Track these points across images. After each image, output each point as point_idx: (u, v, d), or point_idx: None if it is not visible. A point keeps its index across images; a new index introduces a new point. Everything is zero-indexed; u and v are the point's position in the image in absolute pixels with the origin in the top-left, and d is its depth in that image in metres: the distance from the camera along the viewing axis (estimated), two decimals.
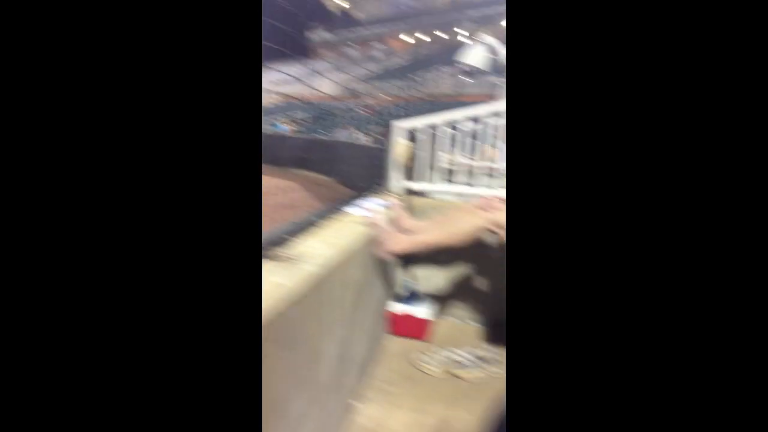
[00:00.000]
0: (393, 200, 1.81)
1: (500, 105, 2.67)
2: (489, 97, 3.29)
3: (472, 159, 2.71)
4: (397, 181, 2.15)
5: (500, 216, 1.47)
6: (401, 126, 2.15)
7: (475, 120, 2.47)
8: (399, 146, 2.15)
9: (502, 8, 24.23)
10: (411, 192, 2.21)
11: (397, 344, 1.73)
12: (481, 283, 1.97)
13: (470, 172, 2.58)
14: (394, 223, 1.55)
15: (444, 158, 3.26)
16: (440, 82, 17.55)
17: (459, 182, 2.74)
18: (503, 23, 24.90)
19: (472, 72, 3.02)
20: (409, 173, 2.24)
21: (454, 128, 2.53)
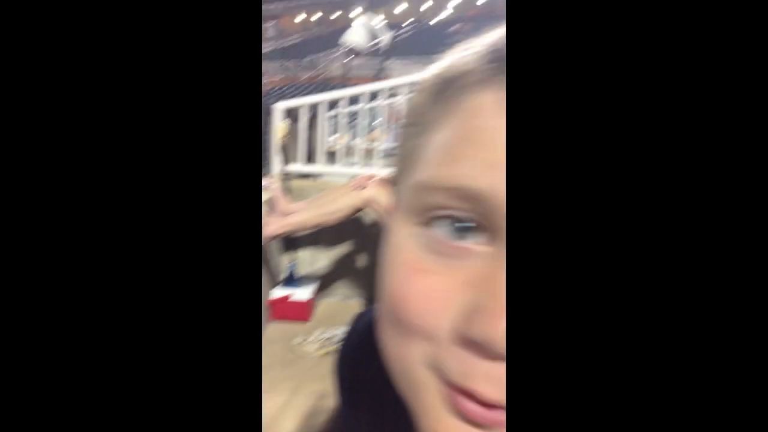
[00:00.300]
0: (270, 183, 1.77)
1: (384, 85, 2.72)
2: (374, 79, 3.33)
3: (357, 140, 2.74)
4: (278, 164, 2.11)
5: (372, 193, 1.51)
6: (280, 107, 2.10)
7: (355, 101, 2.49)
8: (278, 128, 2.10)
9: None
10: (291, 175, 2.18)
11: (278, 330, 1.71)
12: (361, 261, 2.02)
13: (356, 153, 2.61)
14: (271, 206, 1.52)
15: (328, 140, 3.25)
16: (329, 63, 17.40)
17: (344, 163, 2.77)
18: (397, 9, 25.23)
19: (355, 53, 3.03)
20: (291, 155, 2.20)
21: (336, 109, 2.52)
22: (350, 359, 0.41)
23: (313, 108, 2.32)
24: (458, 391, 0.22)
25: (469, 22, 21.06)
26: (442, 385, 0.22)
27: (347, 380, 0.41)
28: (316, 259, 2.02)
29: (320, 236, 1.99)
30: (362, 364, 0.39)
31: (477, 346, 0.20)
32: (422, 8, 24.88)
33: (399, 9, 25.28)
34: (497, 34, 0.25)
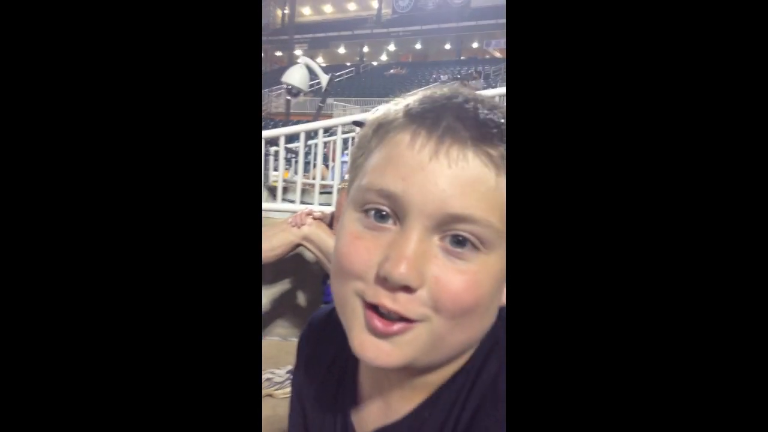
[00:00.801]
0: None
1: (323, 124, 2.76)
2: (314, 118, 3.39)
3: (297, 176, 2.74)
4: None
5: (311, 230, 1.51)
6: None
7: (294, 138, 2.51)
8: None
9: (335, 33, 25.26)
10: None
11: None
12: (302, 298, 1.99)
13: (302, 190, 2.60)
14: None
15: (272, 176, 3.22)
16: (273, 101, 17.45)
17: (289, 200, 2.74)
18: (340, 49, 26.00)
19: (295, 92, 3.08)
20: None
21: (277, 146, 2.52)
22: (309, 340, 0.54)
23: None
24: (371, 307, 0.35)
25: (404, 67, 22.05)
26: (363, 307, 0.35)
27: (304, 357, 0.53)
28: None
29: None
30: (318, 345, 0.52)
31: (384, 280, 0.34)
32: (361, 52, 25.79)
33: (340, 51, 26.04)
34: (416, 96, 0.38)
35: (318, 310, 0.58)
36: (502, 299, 0.38)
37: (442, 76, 18.25)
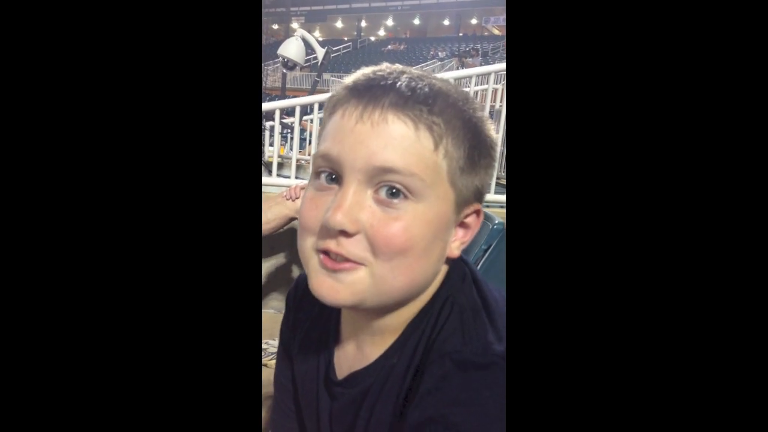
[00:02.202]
0: None
1: (321, 98, 2.74)
2: (310, 93, 3.36)
3: (291, 152, 2.73)
4: None
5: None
6: None
7: (291, 113, 2.49)
8: None
9: (333, 6, 24.68)
10: None
11: None
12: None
13: (297, 166, 2.60)
14: None
15: (267, 151, 3.20)
16: (269, 75, 17.16)
17: (284, 175, 2.74)
18: (337, 23, 25.47)
19: (291, 66, 3.04)
20: None
21: (272, 121, 2.51)
22: (296, 296, 0.61)
23: None
24: (322, 251, 0.41)
25: (402, 43, 21.68)
26: (318, 256, 0.42)
27: (291, 311, 0.61)
28: None
29: None
30: (303, 300, 0.59)
31: (326, 228, 0.40)
32: (359, 27, 25.26)
33: (338, 25, 25.49)
34: (359, 74, 0.43)
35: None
36: (452, 251, 0.44)
37: (440, 53, 17.97)
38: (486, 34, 21.82)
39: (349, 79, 0.43)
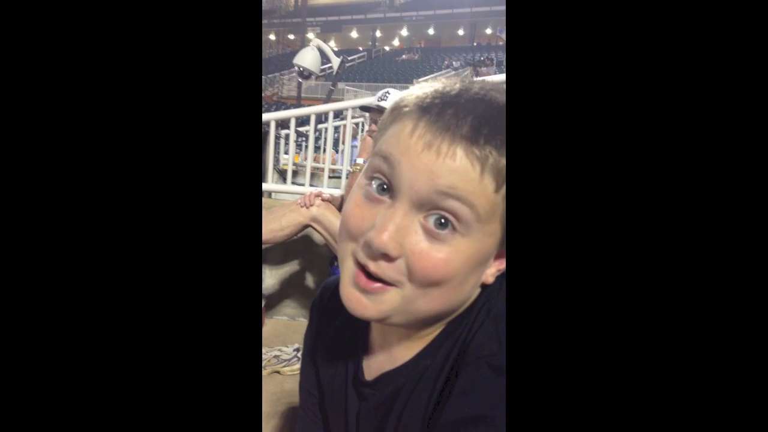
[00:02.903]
0: None
1: (335, 106, 2.76)
2: (325, 102, 3.39)
3: (307, 160, 2.75)
4: None
5: (319, 211, 1.53)
6: None
7: (305, 122, 2.51)
8: None
9: (348, 17, 24.96)
10: None
11: None
12: (309, 280, 2.02)
13: (311, 174, 2.62)
14: None
15: (282, 159, 3.23)
16: (285, 85, 17.39)
17: (298, 183, 2.76)
18: (352, 33, 25.75)
19: (306, 75, 3.07)
20: None
21: (287, 129, 2.53)
22: (321, 303, 0.61)
23: (265, 127, 2.32)
24: (360, 266, 0.41)
25: (417, 52, 21.80)
26: (354, 265, 0.42)
27: (315, 318, 0.61)
28: (262, 278, 2.00)
29: (267, 254, 1.97)
30: (329, 306, 0.58)
31: (368, 246, 0.39)
32: (374, 37, 25.49)
33: (353, 35, 25.76)
34: (431, 87, 0.42)
35: (329, 278, 0.64)
36: (488, 277, 0.44)
37: (454, 63, 18.01)
38: (500, 43, 21.83)
39: (422, 92, 0.41)
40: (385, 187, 0.40)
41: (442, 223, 0.38)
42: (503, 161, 0.38)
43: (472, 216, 0.38)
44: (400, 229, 0.38)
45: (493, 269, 0.44)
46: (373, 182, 0.41)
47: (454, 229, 0.38)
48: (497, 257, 0.44)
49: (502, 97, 0.40)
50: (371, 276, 0.40)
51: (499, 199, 0.39)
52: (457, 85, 0.41)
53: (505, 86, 0.41)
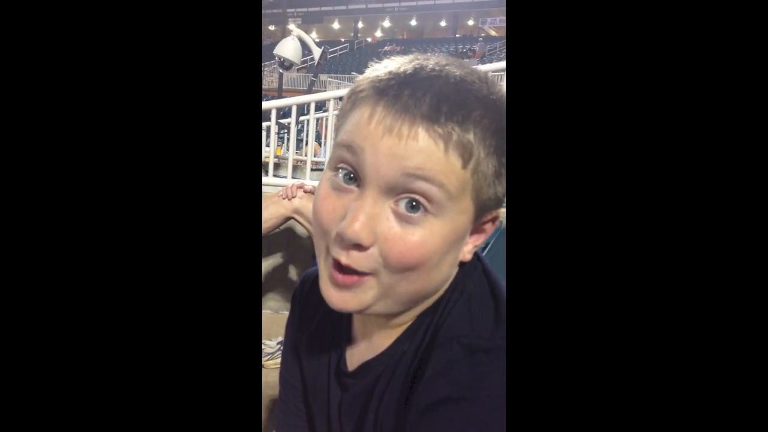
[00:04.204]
0: None
1: (314, 98, 2.74)
2: (307, 93, 3.35)
3: (288, 152, 2.72)
4: None
5: (301, 203, 1.52)
6: None
7: (286, 114, 2.49)
8: None
9: (329, 8, 24.73)
10: None
11: None
12: (293, 272, 2.01)
13: (294, 166, 2.60)
14: None
15: (264, 151, 3.19)
16: (265, 77, 17.18)
17: (280, 176, 2.74)
18: (334, 24, 25.51)
19: (287, 65, 3.03)
20: None
21: (268, 121, 2.50)
22: (302, 294, 0.60)
23: None
24: (333, 262, 0.40)
25: (400, 44, 21.73)
26: (330, 260, 0.41)
27: (297, 309, 0.60)
28: None
29: None
30: (310, 297, 0.58)
31: (341, 237, 0.38)
32: (356, 28, 25.31)
33: (335, 26, 25.53)
34: (386, 68, 0.41)
35: (310, 269, 0.63)
36: (464, 255, 0.44)
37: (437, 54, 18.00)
38: (483, 35, 21.89)
39: (377, 74, 0.40)
40: (352, 176, 0.39)
41: (414, 206, 0.38)
42: (467, 136, 0.37)
43: (443, 195, 0.37)
44: (371, 217, 0.38)
45: (470, 246, 0.44)
46: (339, 172, 0.40)
47: (426, 210, 0.38)
48: (473, 233, 0.43)
49: (458, 71, 0.40)
50: (346, 270, 0.40)
51: (468, 175, 0.38)
52: (412, 64, 0.40)
53: (460, 61, 0.42)
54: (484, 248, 0.96)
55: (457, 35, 22.87)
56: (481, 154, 0.38)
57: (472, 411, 0.37)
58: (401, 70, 0.40)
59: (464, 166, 0.38)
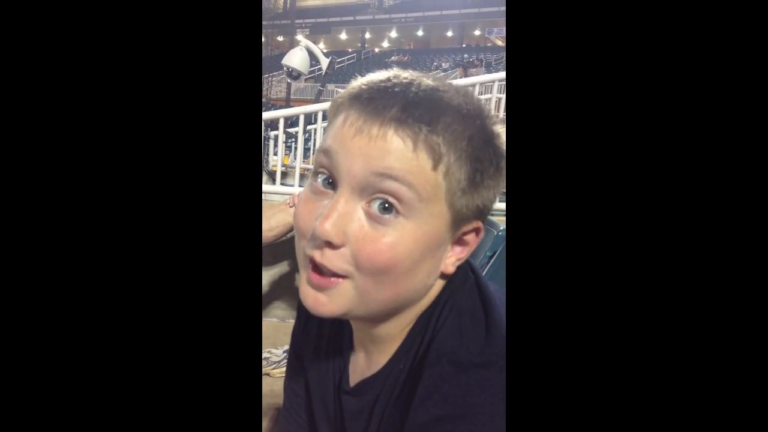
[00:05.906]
0: None
1: (325, 107, 2.75)
2: (314, 103, 3.38)
3: (296, 161, 2.74)
4: None
5: None
6: None
7: (294, 123, 2.50)
8: None
9: (337, 18, 24.95)
10: None
11: None
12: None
13: (301, 175, 2.61)
14: None
15: (271, 160, 3.22)
16: (274, 86, 17.33)
17: (288, 184, 2.75)
18: (341, 35, 25.74)
19: (295, 75, 3.06)
20: None
21: (276, 130, 2.52)
22: (304, 310, 0.60)
23: None
24: (311, 263, 0.40)
25: (407, 54, 21.85)
26: (308, 263, 0.41)
27: (303, 317, 0.60)
28: None
29: None
30: (311, 314, 0.57)
31: (314, 236, 0.39)
32: (363, 38, 25.49)
33: (342, 37, 25.74)
34: (365, 79, 0.43)
35: None
36: (447, 267, 0.43)
37: (443, 64, 18.10)
38: (489, 45, 21.97)
39: (354, 84, 0.43)
40: (330, 181, 0.41)
41: (386, 208, 0.38)
42: (436, 138, 0.38)
43: (413, 195, 0.38)
44: (342, 215, 0.38)
45: (453, 258, 0.43)
46: (319, 177, 0.41)
47: (397, 212, 0.38)
48: (456, 244, 0.43)
49: (433, 82, 0.41)
50: (322, 271, 0.40)
51: (440, 178, 0.39)
52: (388, 74, 0.42)
53: (438, 76, 0.43)
54: (489, 258, 0.96)
55: (464, 45, 22.97)
56: (452, 157, 0.39)
57: (466, 429, 0.37)
58: (378, 78, 0.42)
59: (434, 167, 0.38)
